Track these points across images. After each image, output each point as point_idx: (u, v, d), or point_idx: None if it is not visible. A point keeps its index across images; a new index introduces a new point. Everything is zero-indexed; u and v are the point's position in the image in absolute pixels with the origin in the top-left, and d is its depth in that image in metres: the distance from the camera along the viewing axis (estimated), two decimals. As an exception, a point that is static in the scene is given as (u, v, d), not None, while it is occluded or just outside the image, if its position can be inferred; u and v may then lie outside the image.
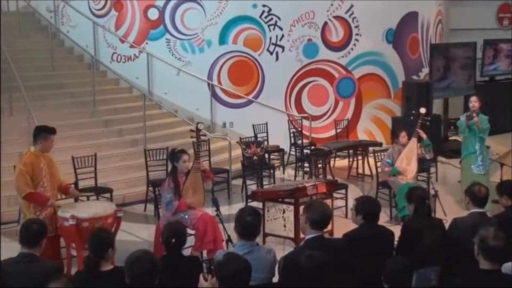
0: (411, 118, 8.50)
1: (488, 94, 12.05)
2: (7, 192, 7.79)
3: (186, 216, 6.30)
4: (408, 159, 7.98)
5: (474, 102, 8.05)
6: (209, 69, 11.25)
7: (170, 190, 6.33)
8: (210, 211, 7.04)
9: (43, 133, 5.93)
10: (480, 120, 7.96)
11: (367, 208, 4.68)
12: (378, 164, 8.55)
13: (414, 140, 8.05)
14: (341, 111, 11.90)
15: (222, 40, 11.24)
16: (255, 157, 9.50)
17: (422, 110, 8.21)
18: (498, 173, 8.65)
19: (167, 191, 6.34)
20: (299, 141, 10.94)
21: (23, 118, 8.84)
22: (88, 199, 7.71)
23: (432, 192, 7.60)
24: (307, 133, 11.46)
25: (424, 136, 8.11)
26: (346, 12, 11.65)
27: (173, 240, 4.25)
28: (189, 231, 5.95)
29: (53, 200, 5.99)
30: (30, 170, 5.79)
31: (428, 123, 8.24)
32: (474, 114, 7.83)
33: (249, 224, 4.26)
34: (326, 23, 11.56)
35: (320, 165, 8.87)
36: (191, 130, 7.05)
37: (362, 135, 12.01)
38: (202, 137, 7.12)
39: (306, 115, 11.54)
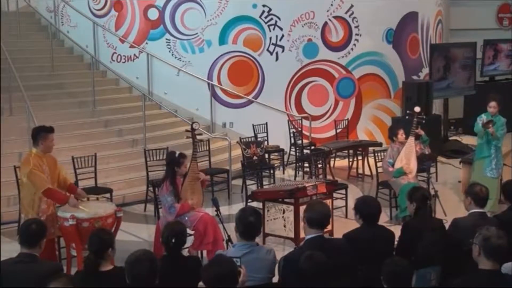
0: (407, 117, 8.55)
1: (488, 94, 12.01)
2: (7, 192, 7.80)
3: (186, 218, 6.27)
4: (407, 158, 7.99)
5: (493, 108, 7.87)
6: (209, 69, 11.25)
7: (170, 193, 6.29)
8: (210, 211, 7.03)
9: (41, 133, 5.88)
10: (497, 124, 7.82)
11: (367, 209, 4.68)
12: (378, 164, 8.54)
13: (411, 138, 8.07)
14: (341, 111, 11.89)
15: (222, 40, 11.23)
16: (255, 157, 9.50)
17: (417, 109, 8.24)
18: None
19: (167, 194, 6.30)
20: (299, 141, 10.94)
21: (23, 118, 8.84)
22: (88, 199, 7.69)
23: (432, 192, 7.59)
24: (307, 133, 11.45)
25: (422, 133, 8.13)
26: (346, 12, 11.64)
27: (173, 240, 4.25)
28: (189, 231, 5.93)
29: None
30: (41, 169, 5.78)
31: (423, 121, 8.26)
32: (490, 125, 7.68)
33: (251, 224, 4.26)
34: (326, 23, 11.55)
35: (320, 165, 8.86)
36: (187, 130, 7.03)
37: (362, 135, 12.00)
38: (198, 137, 7.05)
39: (306, 115, 11.53)
